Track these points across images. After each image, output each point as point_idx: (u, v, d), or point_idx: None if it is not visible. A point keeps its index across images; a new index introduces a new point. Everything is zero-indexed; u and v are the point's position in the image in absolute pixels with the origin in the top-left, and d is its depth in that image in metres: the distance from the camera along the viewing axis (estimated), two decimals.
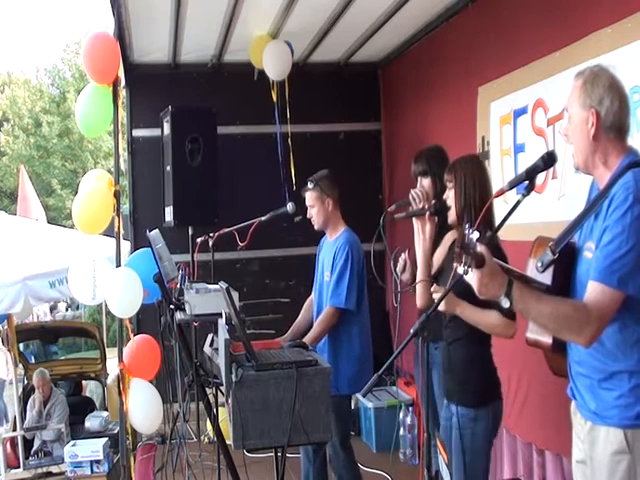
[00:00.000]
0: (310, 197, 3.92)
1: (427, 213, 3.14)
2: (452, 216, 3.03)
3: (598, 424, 2.12)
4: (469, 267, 2.03)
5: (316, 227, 4.00)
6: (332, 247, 3.92)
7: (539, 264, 2.14)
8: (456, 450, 2.93)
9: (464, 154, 3.27)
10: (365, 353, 3.89)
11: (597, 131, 2.10)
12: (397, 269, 3.49)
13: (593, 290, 2.03)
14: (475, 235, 2.03)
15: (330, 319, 3.77)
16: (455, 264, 2.06)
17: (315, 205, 3.91)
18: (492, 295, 2.08)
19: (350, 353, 3.81)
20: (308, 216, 3.98)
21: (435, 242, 3.27)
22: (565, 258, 2.16)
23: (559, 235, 2.16)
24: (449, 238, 3.29)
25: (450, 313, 2.89)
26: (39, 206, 11.04)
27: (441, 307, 2.85)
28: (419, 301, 3.18)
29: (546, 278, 2.15)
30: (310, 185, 3.90)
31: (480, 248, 2.04)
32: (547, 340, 2.23)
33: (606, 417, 2.09)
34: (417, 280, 3.20)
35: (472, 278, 2.08)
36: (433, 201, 3.18)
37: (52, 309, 11.95)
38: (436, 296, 2.82)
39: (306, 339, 3.70)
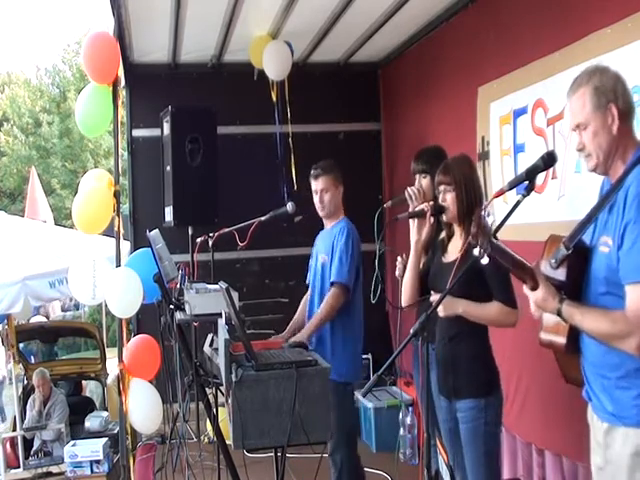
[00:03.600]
0: (325, 181, 3.91)
1: (428, 213, 3.14)
2: (449, 216, 3.04)
3: (616, 425, 2.09)
4: (485, 251, 2.06)
5: (324, 212, 3.97)
6: (330, 233, 3.94)
7: (553, 260, 2.15)
8: (472, 442, 2.94)
9: (455, 155, 3.29)
10: (359, 343, 3.93)
11: (620, 122, 2.10)
12: (397, 273, 3.50)
13: (631, 296, 2.01)
14: (490, 219, 2.05)
15: (336, 298, 3.76)
16: (470, 245, 2.08)
17: (330, 190, 3.91)
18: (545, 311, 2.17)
19: (348, 338, 3.83)
20: (317, 202, 3.95)
21: (433, 242, 3.29)
22: (578, 254, 2.16)
23: (572, 230, 2.16)
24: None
25: (452, 315, 2.90)
26: (47, 207, 11.05)
27: (441, 313, 2.86)
28: (404, 299, 3.21)
29: (560, 275, 2.16)
30: (325, 169, 3.91)
31: (533, 266, 2.11)
32: (561, 340, 2.21)
33: (624, 417, 2.06)
34: (404, 280, 3.23)
35: (529, 297, 2.15)
36: (431, 202, 3.19)
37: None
38: (434, 299, 2.82)
39: (312, 321, 3.72)
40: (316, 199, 3.96)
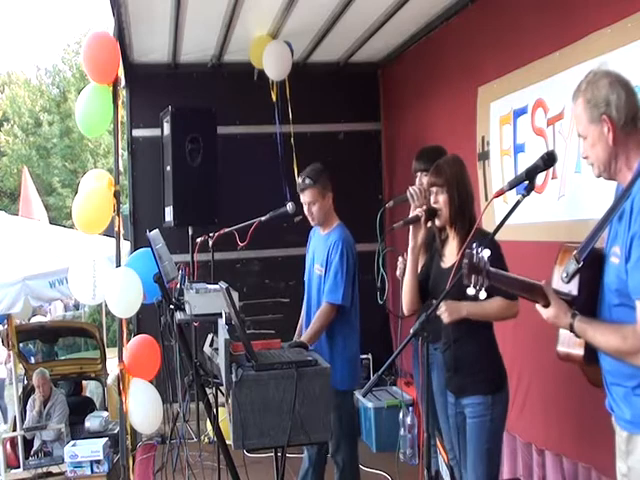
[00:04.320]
0: (311, 194, 3.85)
1: (422, 219, 3.13)
2: (443, 219, 3.04)
3: (635, 433, 2.08)
4: (481, 287, 2.03)
5: (315, 223, 3.95)
6: (325, 241, 3.89)
7: (564, 275, 2.12)
8: (476, 439, 2.96)
9: (446, 156, 3.28)
10: (357, 349, 3.93)
11: (615, 134, 2.06)
12: (397, 273, 3.50)
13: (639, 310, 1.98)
14: (486, 253, 2.01)
15: (328, 316, 3.76)
16: (465, 282, 2.05)
17: (317, 202, 3.85)
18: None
19: (346, 349, 3.82)
20: (307, 213, 3.92)
21: (429, 246, 3.29)
22: (592, 265, 2.12)
23: (583, 242, 2.13)
24: None
25: (457, 319, 2.90)
26: (41, 207, 11.05)
27: (446, 319, 2.87)
28: (405, 307, 3.21)
29: (572, 288, 2.13)
30: (309, 182, 3.84)
31: (544, 284, 2.08)
32: (578, 352, 2.19)
33: None
34: (403, 289, 3.22)
35: (541, 313, 2.13)
36: (424, 207, 3.18)
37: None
38: (441, 310, 2.84)
39: (304, 337, 3.70)
40: (305, 210, 3.93)
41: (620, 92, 2.07)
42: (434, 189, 3.05)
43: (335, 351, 3.79)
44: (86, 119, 4.23)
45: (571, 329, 2.10)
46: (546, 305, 2.12)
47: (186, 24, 5.09)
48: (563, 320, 2.11)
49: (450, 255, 3.06)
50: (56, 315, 12.09)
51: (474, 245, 2.04)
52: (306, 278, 4.08)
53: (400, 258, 3.51)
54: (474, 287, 2.04)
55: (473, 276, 2.03)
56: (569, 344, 2.21)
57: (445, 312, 2.87)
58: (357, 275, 3.86)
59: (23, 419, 6.58)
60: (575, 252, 2.12)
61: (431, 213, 3.09)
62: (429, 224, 3.15)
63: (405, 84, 6.00)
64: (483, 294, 2.05)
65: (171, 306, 3.65)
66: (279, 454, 2.98)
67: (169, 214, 5.60)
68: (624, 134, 2.07)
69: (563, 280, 2.13)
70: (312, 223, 3.99)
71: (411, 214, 3.25)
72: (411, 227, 3.17)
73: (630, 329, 2.00)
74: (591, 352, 2.16)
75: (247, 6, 4.75)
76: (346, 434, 3.78)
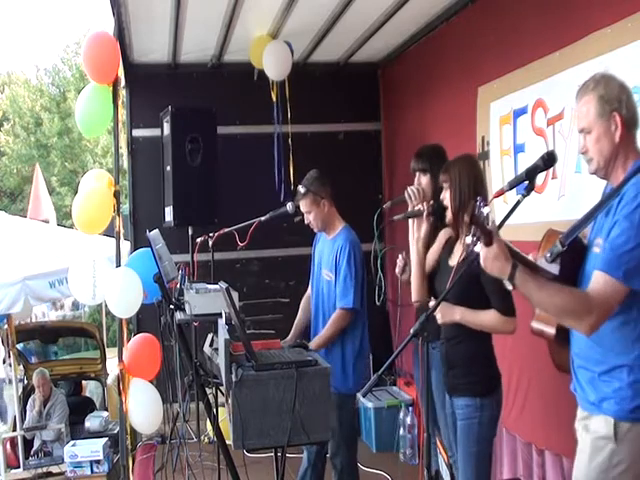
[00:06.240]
0: (305, 204, 3.87)
1: (425, 213, 3.15)
2: (449, 216, 3.05)
3: (594, 414, 2.15)
4: (477, 239, 2.09)
5: (316, 230, 3.98)
6: (332, 246, 3.89)
7: (548, 254, 2.16)
8: (464, 440, 2.96)
9: (459, 154, 3.29)
10: (367, 350, 3.93)
11: (623, 131, 2.12)
12: (397, 270, 3.50)
13: (597, 280, 2.06)
14: (486, 210, 2.06)
15: (342, 321, 3.74)
16: (464, 236, 2.11)
17: (311, 210, 3.86)
18: (495, 274, 2.15)
19: (356, 352, 3.81)
20: (306, 222, 3.94)
21: (430, 242, 3.30)
22: (574, 253, 2.18)
23: (569, 228, 2.18)
24: (442, 235, 3.31)
25: (449, 322, 2.90)
26: (50, 206, 11.06)
27: (439, 320, 2.87)
28: (414, 295, 3.22)
29: (554, 269, 2.18)
30: (302, 191, 3.85)
31: (491, 227, 2.10)
32: (551, 330, 2.26)
33: (602, 407, 2.13)
34: (411, 278, 3.23)
35: (480, 252, 2.14)
36: (431, 202, 3.20)
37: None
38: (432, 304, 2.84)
39: (316, 341, 3.70)
40: (305, 219, 3.95)
41: (630, 95, 2.16)
42: (444, 185, 3.06)
43: (347, 354, 3.78)
44: (86, 119, 4.22)
45: (510, 277, 2.11)
46: (488, 243, 2.12)
47: (186, 24, 5.10)
48: (503, 265, 2.11)
49: (458, 252, 3.06)
50: (57, 315, 12.11)
51: (478, 199, 2.08)
52: (313, 283, 4.07)
53: (400, 256, 3.51)
54: (472, 237, 2.10)
55: (473, 227, 2.10)
56: (543, 321, 2.28)
57: (438, 313, 2.86)
58: (365, 278, 3.85)
59: (23, 419, 6.58)
60: (561, 236, 2.16)
61: (438, 208, 3.09)
62: (431, 219, 3.17)
63: (405, 84, 6.00)
64: (478, 247, 2.10)
65: (171, 306, 3.65)
66: (279, 454, 2.98)
67: (169, 214, 5.60)
68: (627, 135, 2.14)
69: (547, 259, 2.17)
70: (315, 230, 4.00)
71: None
72: (413, 221, 3.18)
73: (582, 293, 2.08)
74: (564, 332, 2.23)
75: (247, 6, 4.76)
76: (345, 437, 3.77)
